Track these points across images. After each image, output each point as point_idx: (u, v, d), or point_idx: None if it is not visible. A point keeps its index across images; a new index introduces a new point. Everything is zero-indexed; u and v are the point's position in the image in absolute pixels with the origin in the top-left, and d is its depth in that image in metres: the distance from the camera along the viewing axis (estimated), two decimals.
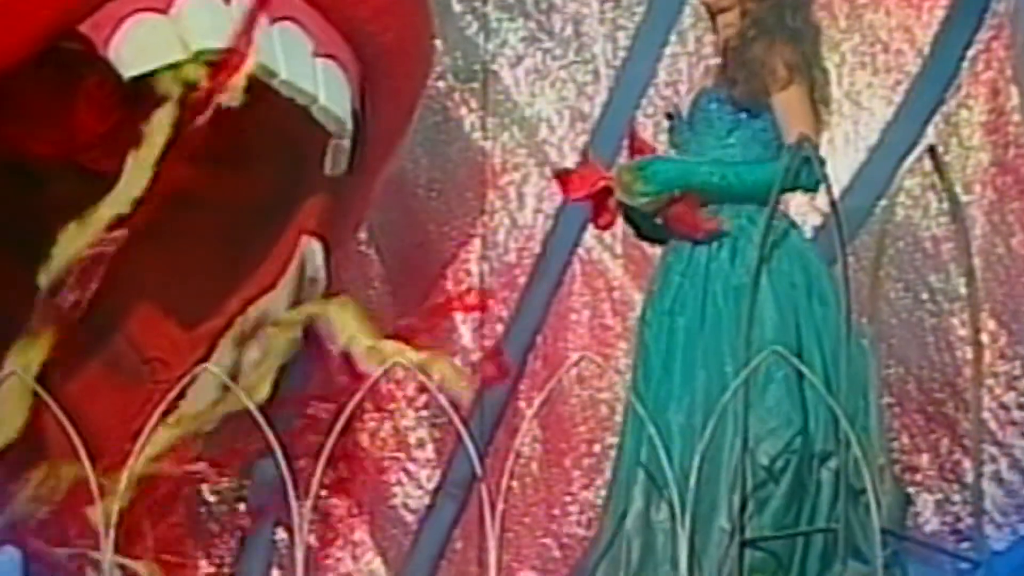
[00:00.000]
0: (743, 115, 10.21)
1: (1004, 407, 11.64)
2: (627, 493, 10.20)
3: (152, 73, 10.41)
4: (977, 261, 11.03)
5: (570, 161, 11.54)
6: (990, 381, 11.44)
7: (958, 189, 10.96)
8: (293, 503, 9.94)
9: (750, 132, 10.26)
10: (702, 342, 10.33)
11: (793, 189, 10.07)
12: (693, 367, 10.35)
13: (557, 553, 11.51)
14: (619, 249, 11.71)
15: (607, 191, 10.27)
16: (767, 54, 10.22)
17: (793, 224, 10.28)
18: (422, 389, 11.43)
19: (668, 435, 10.09)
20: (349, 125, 10.71)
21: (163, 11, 10.52)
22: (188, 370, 10.42)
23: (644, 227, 10.37)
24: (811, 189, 10.24)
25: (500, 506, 9.58)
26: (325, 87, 10.75)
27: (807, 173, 10.17)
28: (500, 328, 11.74)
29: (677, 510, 9.80)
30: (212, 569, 11.84)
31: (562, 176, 10.56)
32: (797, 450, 9.95)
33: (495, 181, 12.04)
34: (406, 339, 10.97)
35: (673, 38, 11.69)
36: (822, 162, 10.01)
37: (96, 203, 10.72)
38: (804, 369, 9.88)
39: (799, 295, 10.27)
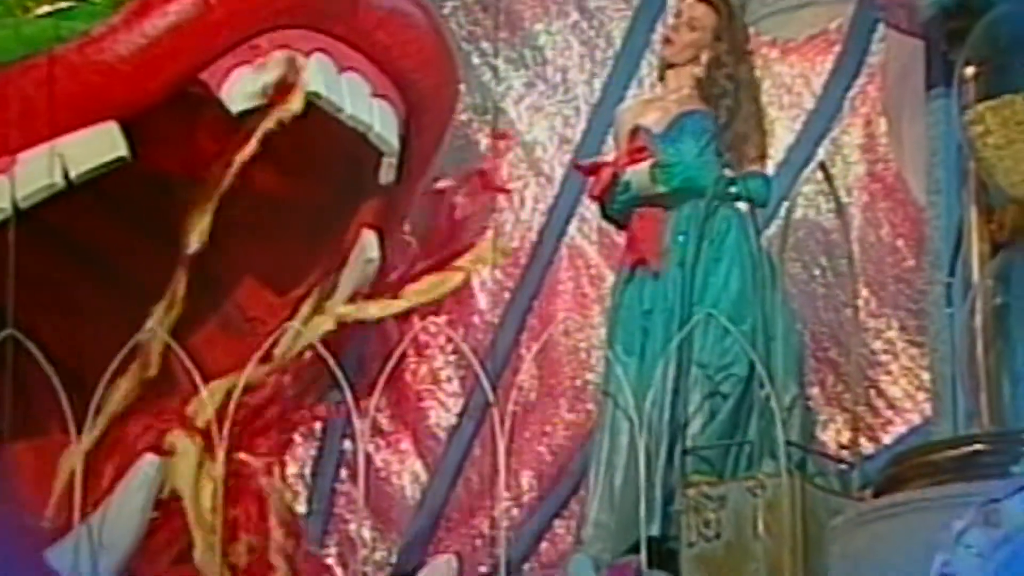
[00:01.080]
0: (710, 126, 10.78)
1: (873, 352, 11.78)
2: (602, 415, 10.60)
3: (251, 111, 10.82)
4: (855, 247, 11.47)
5: (558, 173, 11.87)
6: (863, 334, 11.66)
7: (841, 194, 11.37)
8: (356, 422, 10.45)
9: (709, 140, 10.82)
10: (664, 305, 10.64)
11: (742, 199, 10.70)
12: (656, 325, 10.67)
13: (549, 458, 11.60)
14: (595, 237, 11.77)
15: (615, 176, 10.67)
16: (746, 124, 10.66)
17: (736, 211, 10.75)
18: (450, 340, 11.67)
19: (641, 371, 10.42)
20: (396, 147, 10.98)
21: (262, 62, 10.74)
22: (278, 326, 11.06)
23: (610, 214, 10.81)
24: (762, 205, 10.86)
25: (507, 424, 10.09)
26: (380, 119, 10.99)
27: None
28: (507, 295, 11.82)
29: (636, 425, 10.15)
30: (295, 469, 11.84)
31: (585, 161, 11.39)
32: (743, 379, 10.43)
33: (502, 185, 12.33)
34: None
35: (634, 83, 11.96)
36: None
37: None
38: (730, 327, 10.22)
39: (739, 265, 10.63)
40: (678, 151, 10.72)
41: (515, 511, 11.23)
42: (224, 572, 10.75)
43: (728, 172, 10.75)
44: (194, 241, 11.11)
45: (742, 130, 10.88)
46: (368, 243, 11.14)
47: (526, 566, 11.19)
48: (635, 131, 10.89)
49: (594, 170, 10.95)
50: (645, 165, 10.75)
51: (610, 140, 11.49)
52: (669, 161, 10.72)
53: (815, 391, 11.30)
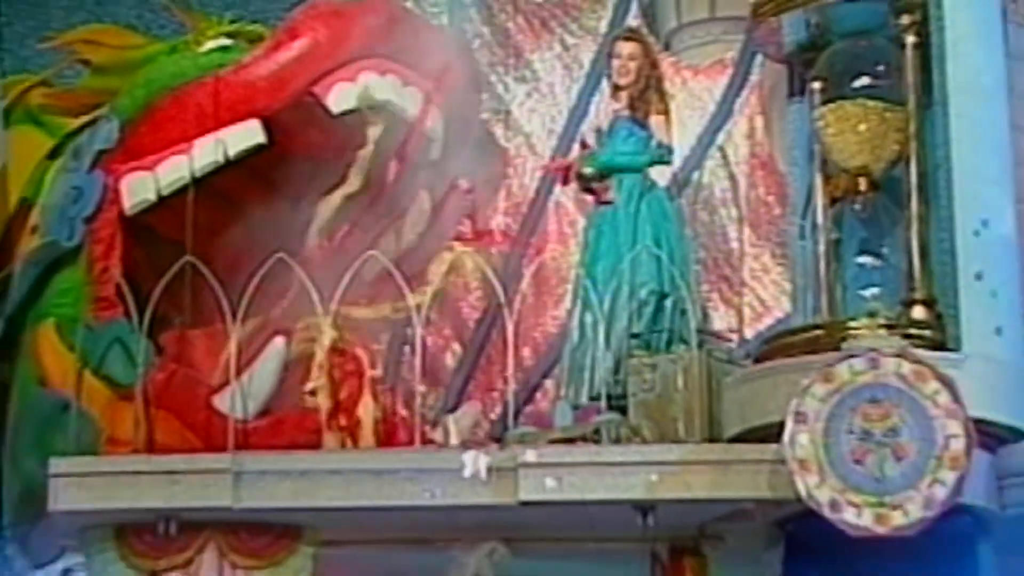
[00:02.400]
0: (636, 129, 11.29)
1: (752, 270, 11.91)
2: (574, 312, 11.22)
3: (348, 112, 11.12)
4: (741, 201, 11.92)
5: (545, 158, 12.26)
6: (746, 258, 11.81)
7: (732, 167, 11.85)
8: (414, 317, 10.63)
9: (636, 138, 11.31)
10: (616, 241, 11.22)
11: (656, 163, 11.26)
12: (610, 253, 11.21)
13: (541, 340, 11.84)
14: (571, 195, 11.82)
15: (568, 167, 11.42)
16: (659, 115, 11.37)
17: (654, 183, 11.27)
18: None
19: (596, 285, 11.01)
20: (440, 135, 11.26)
21: (353, 80, 11.06)
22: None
23: (584, 185, 11.38)
24: (666, 162, 11.37)
25: (514, 318, 10.57)
26: (430, 117, 11.28)
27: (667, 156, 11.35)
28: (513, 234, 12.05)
29: (599, 318, 10.79)
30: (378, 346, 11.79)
31: (551, 162, 12.04)
32: (656, 291, 10.97)
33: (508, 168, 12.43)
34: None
35: (597, 93, 11.97)
36: (670, 151, 11.37)
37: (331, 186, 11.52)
38: (661, 254, 10.89)
39: (660, 217, 11.21)
40: (606, 145, 11.38)
41: (519, 374, 11.18)
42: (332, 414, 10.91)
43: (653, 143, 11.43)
44: (355, 185, 11.33)
45: (650, 110, 11.42)
46: (423, 198, 11.40)
47: (527, 408, 11.40)
48: (582, 141, 11.65)
49: (559, 168, 11.68)
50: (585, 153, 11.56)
51: (582, 128, 11.98)
52: (593, 152, 11.38)
53: (715, 296, 11.76)
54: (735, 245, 11.80)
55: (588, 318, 11.03)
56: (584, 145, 11.53)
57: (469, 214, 11.86)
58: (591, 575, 10.68)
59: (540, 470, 10.07)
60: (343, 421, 10.89)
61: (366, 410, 11.00)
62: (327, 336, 10.85)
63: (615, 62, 11.47)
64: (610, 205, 11.33)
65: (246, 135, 10.88)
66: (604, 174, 11.33)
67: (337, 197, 11.42)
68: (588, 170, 11.33)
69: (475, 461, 10.11)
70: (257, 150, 10.91)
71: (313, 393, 10.85)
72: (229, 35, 11.49)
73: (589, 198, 11.41)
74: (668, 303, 11.03)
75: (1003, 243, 10.31)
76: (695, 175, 11.74)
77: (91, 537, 10.27)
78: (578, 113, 12.16)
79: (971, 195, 10.35)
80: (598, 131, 11.48)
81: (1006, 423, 9.86)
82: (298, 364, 10.96)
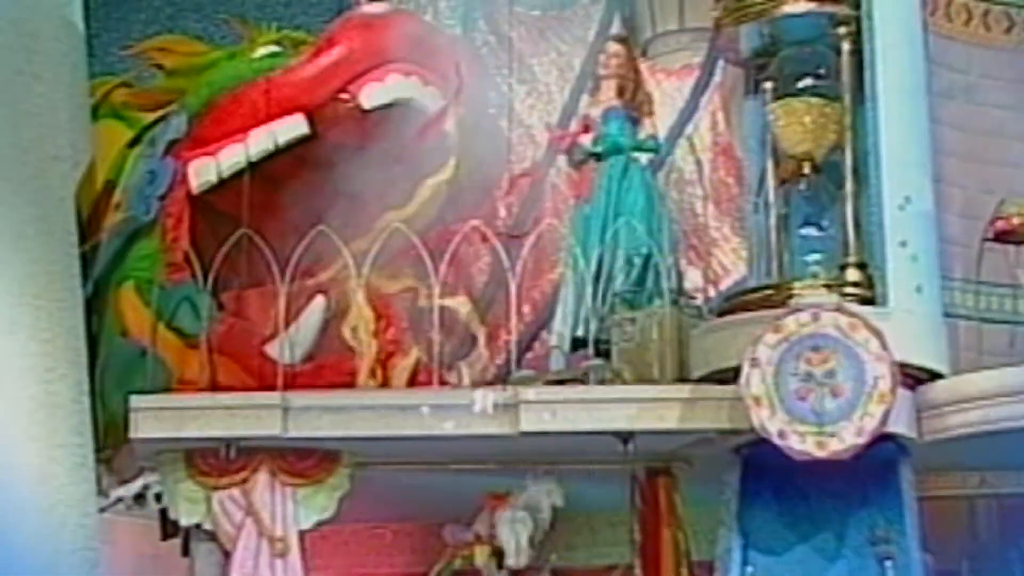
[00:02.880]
0: (627, 123, 11.51)
1: (714, 239, 11.99)
2: (567, 275, 11.36)
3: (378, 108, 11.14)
4: (706, 182, 11.92)
5: (542, 147, 12.18)
6: (710, 229, 11.86)
7: (699, 153, 11.90)
8: (434, 281, 10.72)
9: (628, 127, 11.51)
10: (599, 215, 11.35)
11: (647, 151, 11.56)
12: (598, 219, 11.36)
13: (539, 298, 11.74)
14: (563, 177, 11.85)
15: (574, 138, 11.57)
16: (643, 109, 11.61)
17: (639, 163, 11.51)
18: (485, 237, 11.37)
19: (586, 252, 11.14)
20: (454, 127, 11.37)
21: (382, 80, 11.18)
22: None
23: (572, 164, 11.57)
24: (656, 151, 11.66)
25: (516, 278, 10.68)
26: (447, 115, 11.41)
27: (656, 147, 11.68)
28: (516, 210, 11.84)
29: (587, 280, 11.05)
30: None
31: (556, 134, 11.94)
32: (643, 253, 11.08)
33: (513, 148, 12.09)
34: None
35: (585, 93, 11.85)
36: (658, 143, 11.77)
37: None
38: (638, 227, 11.14)
39: (644, 192, 11.34)
40: (606, 129, 11.56)
41: (520, 327, 11.17)
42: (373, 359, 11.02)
43: (637, 137, 11.61)
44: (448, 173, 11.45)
45: (643, 112, 11.65)
46: (443, 177, 11.39)
47: (527, 355, 11.38)
48: (586, 118, 11.73)
49: (562, 138, 11.85)
50: (589, 136, 11.60)
51: (571, 123, 11.93)
52: (601, 134, 11.54)
53: (683, 261, 11.51)
54: (701, 219, 11.86)
55: (578, 280, 11.23)
56: (587, 128, 11.62)
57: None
58: (581, 494, 10.78)
59: (538, 406, 10.31)
60: (379, 374, 11.03)
61: (397, 368, 11.16)
62: (360, 293, 10.94)
63: (601, 57, 11.71)
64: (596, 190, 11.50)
65: (292, 127, 11.08)
66: (599, 156, 11.48)
67: (431, 186, 11.48)
68: (598, 148, 11.50)
69: (483, 399, 10.36)
70: (302, 139, 11.12)
71: (354, 330, 11.01)
72: (277, 43, 11.66)
73: (576, 176, 11.61)
74: (646, 264, 11.16)
75: (923, 216, 10.51)
76: (668, 160, 11.76)
77: (165, 460, 10.50)
78: (570, 109, 12.14)
79: (896, 176, 10.52)
80: (587, 117, 11.61)
81: (924, 366, 10.16)
82: (336, 318, 11.13)
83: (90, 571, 10.38)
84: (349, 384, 10.79)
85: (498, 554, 10.83)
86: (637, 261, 11.14)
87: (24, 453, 10.28)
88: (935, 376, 10.23)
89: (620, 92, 11.54)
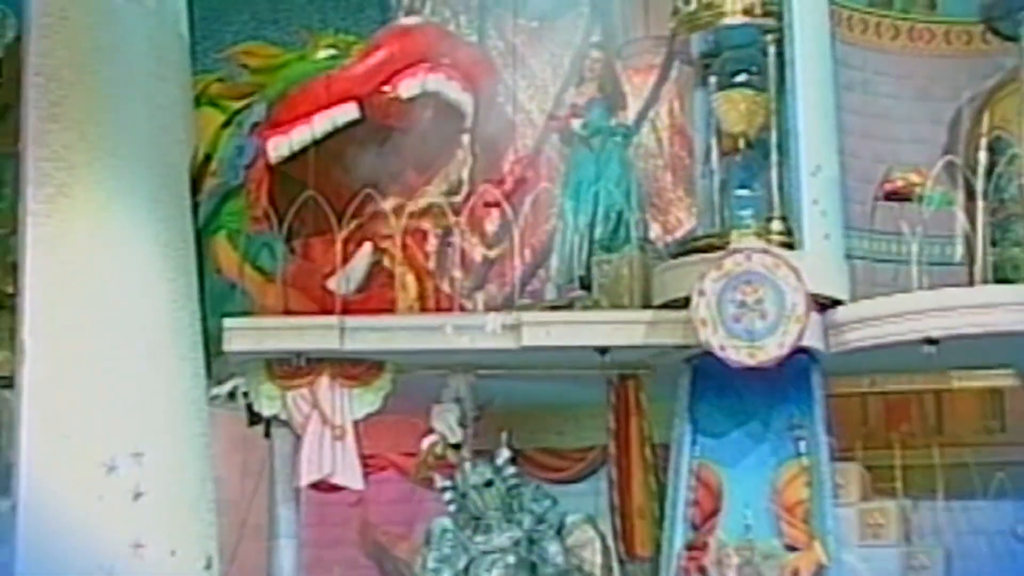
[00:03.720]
0: (605, 112, 11.39)
1: (671, 199, 12.19)
2: (557, 226, 11.33)
3: (413, 98, 11.03)
4: (665, 154, 12.28)
5: (540, 123, 12.18)
6: (667, 192, 12.13)
7: (659, 132, 12.18)
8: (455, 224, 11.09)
9: (608, 115, 11.39)
10: (592, 174, 11.26)
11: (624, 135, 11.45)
12: (585, 182, 11.28)
13: (536, 244, 11.67)
14: (556, 152, 11.79)
15: (568, 120, 11.45)
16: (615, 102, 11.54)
17: (616, 140, 11.35)
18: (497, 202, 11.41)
19: (576, 207, 11.21)
20: (472, 112, 11.24)
21: (416, 76, 11.02)
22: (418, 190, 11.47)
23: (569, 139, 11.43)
24: (631, 135, 11.55)
25: (519, 229, 10.90)
26: (467, 102, 11.19)
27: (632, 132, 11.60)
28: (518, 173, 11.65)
29: (574, 230, 11.13)
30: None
31: (557, 117, 11.86)
32: (617, 210, 10.99)
33: (516, 129, 12.07)
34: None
35: (572, 86, 11.70)
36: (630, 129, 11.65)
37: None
38: (615, 192, 11.08)
39: (620, 161, 11.25)
40: (590, 116, 11.45)
41: (522, 266, 11.32)
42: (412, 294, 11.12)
43: (613, 121, 11.47)
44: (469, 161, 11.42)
45: (618, 103, 11.56)
46: (461, 154, 11.41)
47: (528, 288, 11.54)
48: (573, 106, 11.56)
49: (558, 127, 11.73)
50: (578, 120, 11.47)
51: (562, 110, 11.81)
52: (587, 121, 11.40)
53: (647, 216, 11.50)
54: (661, 183, 12.00)
55: (568, 230, 11.32)
56: (575, 114, 11.50)
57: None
58: (568, 392, 11.10)
59: (536, 326, 10.60)
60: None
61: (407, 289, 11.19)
62: (399, 240, 11.01)
63: (586, 61, 11.67)
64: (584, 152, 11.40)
65: (347, 112, 11.03)
66: (592, 133, 11.39)
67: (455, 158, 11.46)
68: (584, 132, 11.41)
69: (494, 321, 10.61)
70: (354, 122, 11.07)
71: (392, 258, 11.04)
72: (335, 47, 11.49)
73: (567, 151, 11.62)
74: (619, 218, 11.17)
75: (830, 180, 10.70)
76: (636, 138, 11.74)
77: (250, 367, 10.79)
78: (561, 99, 12.09)
79: (809, 150, 10.69)
80: (575, 105, 11.53)
81: (830, 295, 10.47)
82: (378, 263, 11.20)
83: (205, 450, 10.47)
84: (390, 310, 10.92)
85: (448, 444, 10.92)
86: (612, 216, 11.26)
87: (159, 363, 10.32)
88: (838, 303, 10.51)
89: (600, 87, 11.56)
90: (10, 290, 10.81)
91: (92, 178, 10.10)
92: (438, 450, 10.85)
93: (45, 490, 9.72)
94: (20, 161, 10.36)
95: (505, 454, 10.64)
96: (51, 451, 9.76)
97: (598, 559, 10.49)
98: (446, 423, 10.84)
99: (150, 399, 10.10)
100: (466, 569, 10.52)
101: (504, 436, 10.74)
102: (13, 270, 10.53)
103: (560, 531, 10.56)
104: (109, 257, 10.15)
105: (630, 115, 11.74)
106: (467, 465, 10.66)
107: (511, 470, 10.66)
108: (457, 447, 10.79)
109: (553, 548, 10.48)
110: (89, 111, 10.15)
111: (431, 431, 10.91)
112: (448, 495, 10.61)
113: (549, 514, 10.60)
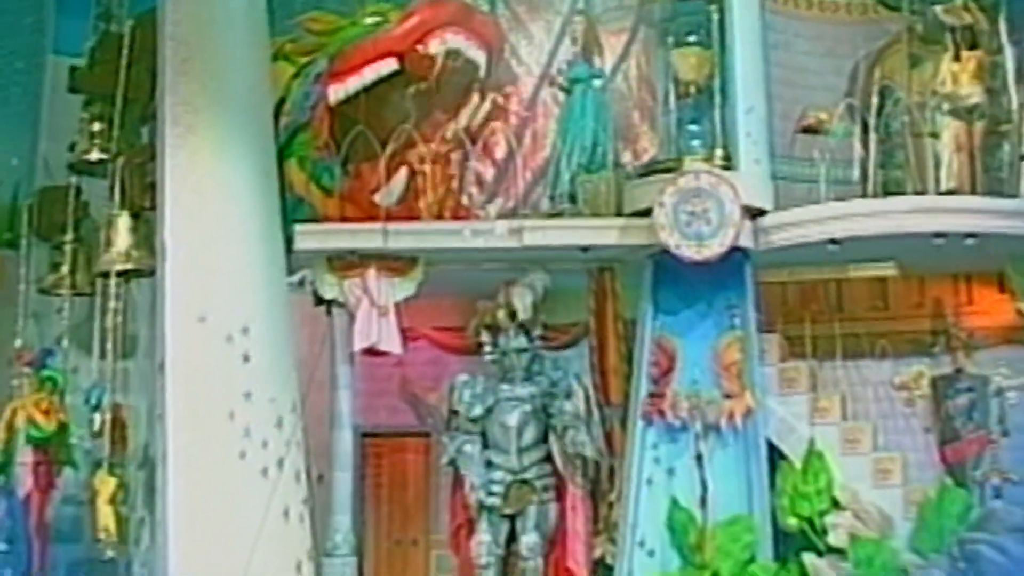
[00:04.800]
0: (586, 65, 11.37)
1: (638, 135, 11.77)
2: (552, 155, 11.29)
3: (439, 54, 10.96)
4: (634, 98, 11.77)
5: (536, 76, 11.82)
6: (636, 131, 11.69)
7: (629, 81, 11.71)
8: (470, 150, 11.17)
9: (588, 68, 11.35)
10: (577, 115, 11.22)
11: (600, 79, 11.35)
12: (572, 121, 11.24)
13: (534, 167, 11.52)
14: (551, 100, 11.65)
15: (558, 76, 11.44)
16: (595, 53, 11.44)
17: (596, 87, 11.28)
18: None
19: (568, 143, 11.17)
20: (484, 66, 11.25)
21: (441, 37, 11.00)
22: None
23: (562, 87, 11.35)
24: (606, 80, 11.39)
25: (521, 156, 11.23)
26: (481, 58, 11.19)
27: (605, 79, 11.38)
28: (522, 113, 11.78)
29: (566, 156, 11.11)
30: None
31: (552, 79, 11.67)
32: (598, 140, 11.11)
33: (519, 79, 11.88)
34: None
35: (562, 48, 11.70)
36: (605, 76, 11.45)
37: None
38: (597, 129, 11.14)
39: (599, 105, 11.20)
40: (576, 69, 11.38)
41: (523, 184, 11.31)
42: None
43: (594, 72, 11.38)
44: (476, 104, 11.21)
45: (597, 57, 11.53)
46: (475, 98, 11.32)
47: (528, 200, 11.34)
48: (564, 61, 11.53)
49: (551, 78, 11.69)
50: (567, 72, 11.42)
51: (553, 64, 11.74)
52: (574, 72, 11.35)
53: (620, 145, 11.42)
54: (631, 120, 11.74)
55: (560, 155, 11.28)
56: (559, 72, 11.53)
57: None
58: (559, 281, 11.09)
59: (535, 230, 10.81)
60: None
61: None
62: (428, 166, 11.14)
63: (573, 26, 11.61)
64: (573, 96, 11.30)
65: (388, 65, 11.07)
66: (575, 81, 11.32)
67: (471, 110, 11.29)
68: (564, 81, 11.38)
69: (502, 226, 10.82)
70: (394, 73, 11.08)
71: (423, 178, 11.06)
72: (379, 14, 11.40)
73: (561, 96, 11.53)
74: (597, 146, 11.18)
75: (760, 118, 10.84)
76: (611, 85, 11.64)
77: (315, 261, 10.93)
78: (554, 56, 11.90)
79: (744, 94, 10.79)
80: (568, 63, 11.51)
81: (758, 206, 10.65)
82: (412, 182, 11.21)
83: (288, 324, 10.50)
84: (421, 217, 11.03)
85: (511, 313, 10.92)
86: (593, 146, 11.24)
87: (258, 259, 10.38)
88: (764, 212, 10.70)
89: (584, 46, 11.53)
90: (147, 204, 10.90)
91: (211, 119, 10.18)
92: (498, 316, 10.83)
93: (183, 354, 9.88)
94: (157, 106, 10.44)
95: (538, 331, 10.85)
96: (187, 326, 9.90)
97: (582, 406, 10.75)
98: (523, 301, 10.81)
99: (252, 287, 10.21)
100: (490, 408, 10.75)
101: (540, 318, 10.86)
102: (151, 188, 10.67)
103: (568, 395, 10.79)
104: (223, 179, 10.24)
105: (607, 67, 11.67)
106: (511, 332, 10.81)
107: (540, 343, 10.90)
108: (512, 316, 10.78)
109: (567, 406, 10.70)
110: (207, 68, 10.25)
111: (487, 301, 10.86)
112: (489, 351, 10.81)
113: (562, 381, 10.87)
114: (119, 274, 10.98)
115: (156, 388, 10.10)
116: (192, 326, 9.90)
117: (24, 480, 10.51)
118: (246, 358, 9.98)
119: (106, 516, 10.23)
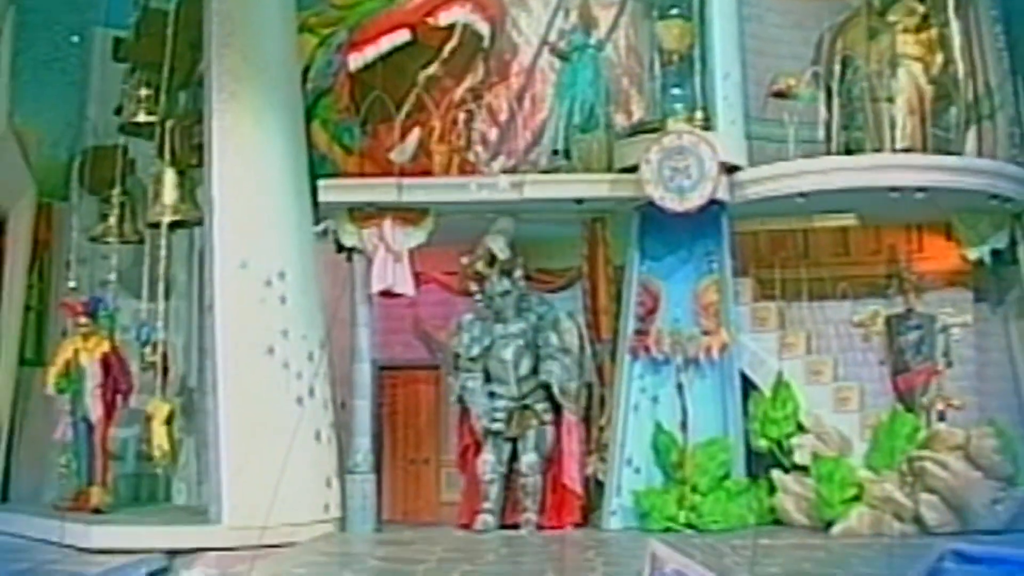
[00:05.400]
0: (584, 34, 11.42)
1: (629, 95, 11.77)
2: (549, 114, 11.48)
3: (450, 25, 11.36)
4: (621, 67, 11.81)
5: (535, 45, 11.84)
6: (626, 94, 11.76)
7: (619, 50, 11.77)
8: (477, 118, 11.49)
9: (584, 36, 11.43)
10: (574, 79, 11.32)
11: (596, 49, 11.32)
12: (568, 83, 11.34)
13: (532, 124, 11.63)
14: (548, 66, 11.70)
15: (556, 45, 11.47)
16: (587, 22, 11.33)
17: (592, 53, 11.31)
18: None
19: (566, 105, 11.23)
20: (489, 36, 11.57)
21: (449, 10, 11.28)
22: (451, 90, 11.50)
23: (560, 55, 11.46)
24: (601, 50, 11.39)
25: (522, 113, 11.44)
26: (486, 29, 11.52)
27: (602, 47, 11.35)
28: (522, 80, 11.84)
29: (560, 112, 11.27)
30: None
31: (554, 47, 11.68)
32: (591, 103, 11.16)
33: (519, 47, 11.91)
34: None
35: (559, 18, 11.79)
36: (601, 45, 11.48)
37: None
38: (589, 89, 11.18)
39: (594, 70, 11.31)
40: (576, 38, 11.52)
41: (524, 142, 11.52)
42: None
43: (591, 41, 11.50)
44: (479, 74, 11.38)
45: (589, 29, 11.53)
46: (480, 65, 11.56)
47: (527, 157, 11.47)
48: (560, 31, 11.66)
49: (552, 47, 11.76)
50: (563, 41, 11.57)
51: (551, 33, 11.80)
52: (569, 42, 11.52)
53: (611, 108, 11.49)
54: (621, 85, 11.84)
55: (557, 117, 11.48)
56: (561, 39, 11.59)
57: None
58: (555, 230, 11.31)
59: (534, 184, 10.99)
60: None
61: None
62: (437, 125, 11.35)
63: (569, 0, 11.76)
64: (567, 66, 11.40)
65: (402, 36, 11.40)
66: (575, 49, 11.40)
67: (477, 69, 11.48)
68: (567, 48, 11.47)
69: (505, 181, 11.00)
70: (407, 43, 11.39)
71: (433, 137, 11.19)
72: None
73: (558, 63, 11.66)
74: (592, 109, 11.26)
75: (735, 83, 10.93)
76: (603, 54, 11.62)
77: (337, 212, 11.14)
78: (551, 27, 11.93)
79: (722, 61, 10.87)
80: (566, 33, 11.63)
81: (734, 163, 10.91)
82: (424, 141, 11.38)
83: (315, 264, 10.90)
84: (432, 173, 11.23)
85: (491, 260, 11.05)
86: (587, 108, 11.37)
87: (291, 211, 10.80)
88: (739, 168, 10.97)
89: (579, 17, 11.69)
90: (193, 162, 11.25)
91: (251, 87, 10.55)
92: (478, 266, 11.07)
93: (229, 297, 10.32)
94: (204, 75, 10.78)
95: (519, 272, 11.04)
96: (232, 272, 10.35)
97: (576, 341, 11.04)
98: (497, 245, 11.01)
99: (287, 236, 10.66)
100: (488, 347, 11.02)
101: (519, 260, 11.13)
102: (197, 149, 11.03)
103: (555, 326, 11.04)
104: (262, 140, 10.58)
105: (599, 37, 11.73)
106: (494, 278, 11.05)
107: (522, 283, 11.10)
108: (492, 264, 10.94)
109: (552, 337, 10.93)
110: (248, 40, 10.58)
111: (469, 254, 11.07)
112: (479, 298, 11.05)
113: (547, 315, 11.12)
114: (167, 225, 11.36)
115: (196, 326, 10.61)
116: (236, 272, 10.32)
117: (94, 408, 10.96)
118: (283, 300, 10.42)
119: (160, 436, 10.72)
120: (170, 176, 11.45)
